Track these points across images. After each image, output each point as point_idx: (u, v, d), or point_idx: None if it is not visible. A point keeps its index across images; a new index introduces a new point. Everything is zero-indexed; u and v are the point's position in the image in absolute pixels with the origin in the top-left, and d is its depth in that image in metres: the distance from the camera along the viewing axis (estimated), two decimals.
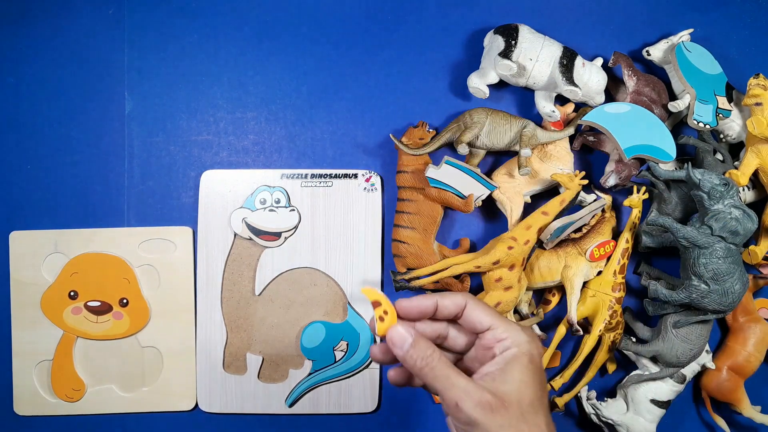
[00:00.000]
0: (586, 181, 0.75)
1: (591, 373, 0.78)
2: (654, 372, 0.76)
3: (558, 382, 0.78)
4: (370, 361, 0.78)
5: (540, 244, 0.76)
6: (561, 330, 0.76)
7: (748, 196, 0.79)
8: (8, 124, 0.77)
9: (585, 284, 0.77)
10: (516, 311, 0.78)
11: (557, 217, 0.74)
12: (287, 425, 0.79)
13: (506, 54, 0.72)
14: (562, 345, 0.79)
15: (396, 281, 0.71)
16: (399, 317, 0.51)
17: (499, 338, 0.50)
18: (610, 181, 0.77)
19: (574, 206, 0.78)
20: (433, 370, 0.49)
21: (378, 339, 0.52)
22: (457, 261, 0.72)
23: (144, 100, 0.78)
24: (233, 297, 0.77)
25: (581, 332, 0.75)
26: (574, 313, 0.75)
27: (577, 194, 0.75)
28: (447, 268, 0.72)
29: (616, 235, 0.79)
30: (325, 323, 0.78)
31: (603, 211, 0.78)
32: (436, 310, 0.52)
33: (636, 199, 0.76)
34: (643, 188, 0.76)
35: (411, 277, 0.71)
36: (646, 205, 0.78)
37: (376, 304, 0.50)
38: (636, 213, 0.77)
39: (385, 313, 0.50)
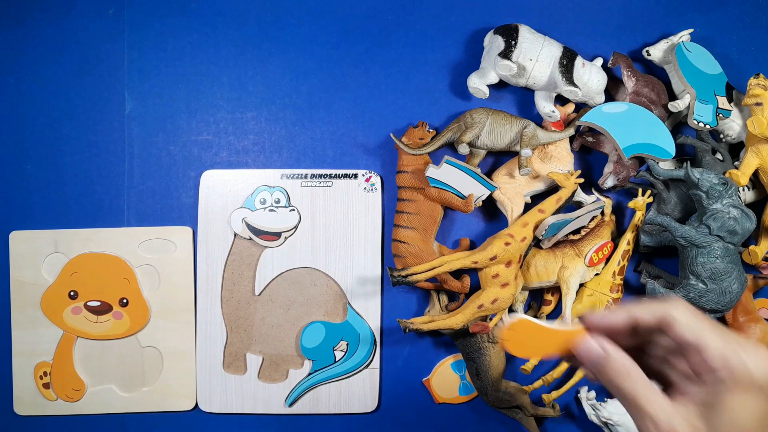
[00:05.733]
0: (582, 180, 0.75)
1: (582, 372, 0.78)
2: None
3: (549, 378, 0.77)
4: (370, 361, 0.78)
5: (537, 243, 0.76)
6: None
7: (748, 196, 0.79)
8: (8, 124, 0.77)
9: (582, 284, 0.77)
10: (511, 309, 0.79)
11: (554, 215, 0.74)
12: (287, 425, 0.79)
13: (506, 54, 0.72)
14: None
15: (393, 277, 0.71)
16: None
17: (709, 359, 0.40)
18: (609, 182, 0.77)
19: (574, 206, 0.78)
20: (631, 387, 0.41)
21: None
22: (454, 257, 0.72)
23: (144, 100, 0.78)
24: (233, 297, 0.77)
25: None
26: (569, 313, 0.75)
27: (573, 193, 0.75)
28: (444, 264, 0.72)
29: (615, 237, 0.79)
30: (325, 323, 0.78)
31: (602, 213, 0.78)
32: (632, 324, 0.43)
33: (641, 202, 0.76)
34: (648, 191, 0.76)
35: (408, 273, 0.71)
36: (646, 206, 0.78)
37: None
38: (639, 215, 0.77)
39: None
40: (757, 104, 0.72)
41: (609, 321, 0.43)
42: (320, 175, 0.78)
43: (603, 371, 0.42)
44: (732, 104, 0.77)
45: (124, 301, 0.77)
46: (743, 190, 0.79)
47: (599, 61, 0.77)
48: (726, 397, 0.39)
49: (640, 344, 0.45)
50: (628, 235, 0.77)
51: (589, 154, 0.81)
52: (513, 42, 0.72)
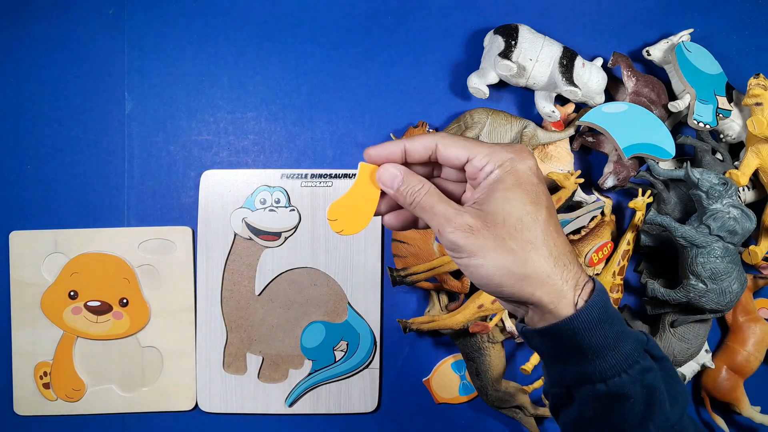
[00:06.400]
0: (581, 180, 0.75)
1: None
2: None
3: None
4: (370, 361, 0.78)
5: None
6: None
7: (748, 196, 0.79)
8: (8, 124, 0.77)
9: None
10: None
11: None
12: (287, 425, 0.79)
13: (506, 54, 0.72)
14: None
15: (393, 276, 0.71)
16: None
17: (479, 167, 0.46)
18: (609, 182, 0.77)
19: (574, 206, 0.78)
20: (420, 202, 0.47)
21: None
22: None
23: (144, 100, 0.78)
24: (233, 297, 0.77)
25: None
26: None
27: (573, 193, 0.75)
28: (443, 264, 0.72)
29: (615, 237, 0.79)
30: (325, 323, 0.78)
31: (602, 213, 0.78)
32: (405, 154, 0.49)
33: (641, 202, 0.76)
34: (648, 192, 0.76)
35: (408, 273, 0.71)
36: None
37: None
38: (639, 216, 0.77)
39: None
40: (757, 104, 0.72)
41: (388, 152, 0.48)
42: (320, 175, 0.78)
43: (401, 191, 0.48)
44: (732, 104, 0.77)
45: (124, 301, 0.77)
46: (743, 190, 0.79)
47: (599, 61, 0.77)
48: (495, 189, 0.45)
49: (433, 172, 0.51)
50: (628, 235, 0.77)
51: (589, 154, 0.81)
52: (513, 42, 0.72)
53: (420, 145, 0.48)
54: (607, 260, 0.78)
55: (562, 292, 0.44)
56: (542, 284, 0.44)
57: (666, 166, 0.76)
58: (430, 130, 0.76)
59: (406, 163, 0.49)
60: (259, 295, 0.78)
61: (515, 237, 0.44)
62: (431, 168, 0.50)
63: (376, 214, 0.50)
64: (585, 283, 0.45)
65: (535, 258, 0.44)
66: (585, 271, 0.46)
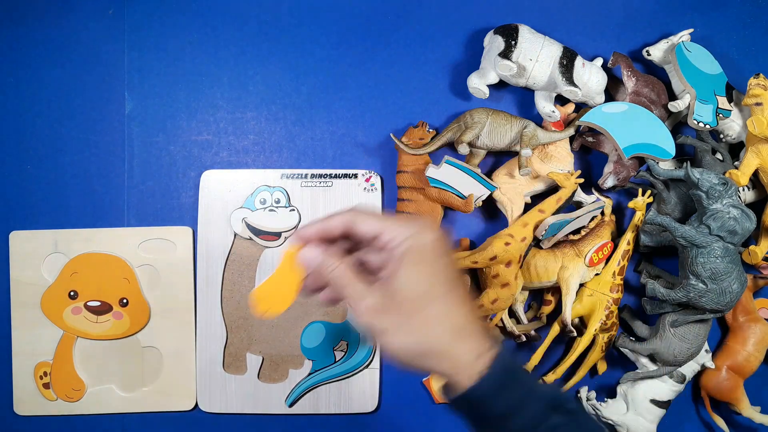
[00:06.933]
0: (582, 180, 0.75)
1: (582, 372, 0.78)
2: (651, 370, 0.76)
3: (550, 378, 0.77)
4: (370, 361, 0.78)
5: (537, 243, 0.76)
6: (555, 329, 0.76)
7: (748, 196, 0.79)
8: (8, 124, 0.77)
9: (583, 284, 0.77)
10: (512, 313, 0.79)
11: (554, 215, 0.74)
12: (287, 425, 0.79)
13: (506, 54, 0.72)
14: (556, 342, 0.79)
15: None
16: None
17: (387, 242, 0.48)
18: (609, 182, 0.77)
19: (574, 206, 0.78)
20: (335, 281, 0.49)
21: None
22: (454, 257, 0.72)
23: (144, 100, 0.78)
24: (233, 297, 0.77)
25: (574, 333, 0.75)
26: (569, 314, 0.75)
27: (574, 193, 0.75)
28: None
29: (615, 237, 0.79)
30: (325, 323, 0.78)
31: (602, 213, 0.78)
32: (327, 232, 0.51)
33: (640, 202, 0.76)
34: (648, 191, 0.76)
35: None
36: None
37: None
38: (639, 215, 0.77)
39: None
40: (757, 104, 0.72)
41: (308, 234, 0.50)
42: (320, 175, 0.78)
43: (319, 272, 0.50)
44: (732, 104, 0.77)
45: (124, 301, 0.77)
46: (743, 190, 0.79)
47: (599, 61, 0.77)
48: (401, 265, 0.47)
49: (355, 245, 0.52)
50: (628, 235, 0.77)
51: (589, 154, 0.81)
52: (513, 42, 0.72)
53: (339, 222, 0.50)
54: (607, 260, 0.78)
55: (464, 364, 0.46)
56: (444, 358, 0.46)
57: (666, 166, 0.76)
58: (430, 130, 0.76)
59: (335, 240, 0.51)
60: None
61: (418, 314, 0.46)
62: (358, 242, 0.52)
63: (311, 293, 0.52)
64: (489, 350, 0.47)
65: (437, 333, 0.46)
66: (490, 337, 0.48)
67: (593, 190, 0.79)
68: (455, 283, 0.49)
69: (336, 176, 0.78)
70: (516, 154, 0.76)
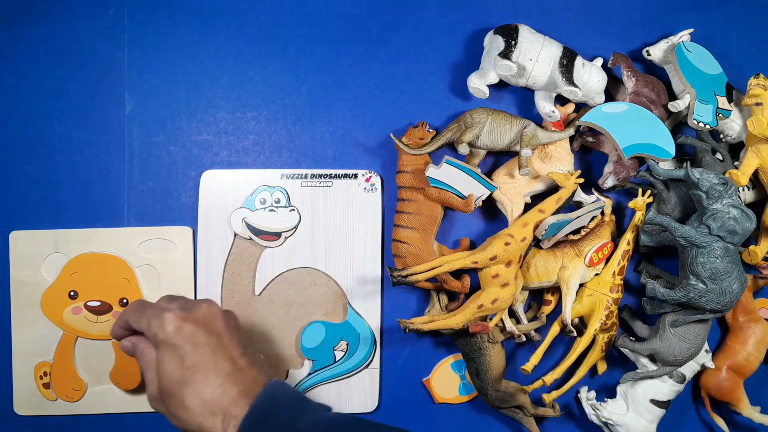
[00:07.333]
0: (582, 180, 0.75)
1: (581, 372, 0.78)
2: (651, 370, 0.76)
3: (550, 378, 0.77)
4: (370, 361, 0.78)
5: (537, 243, 0.76)
6: (554, 329, 0.76)
7: (748, 196, 0.79)
8: (8, 124, 0.77)
9: (582, 284, 0.77)
10: (512, 313, 0.79)
11: (554, 215, 0.74)
12: None
13: (506, 54, 0.72)
14: (556, 342, 0.79)
15: (393, 277, 0.71)
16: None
17: (150, 336, 0.59)
18: (609, 182, 0.77)
19: (574, 206, 0.78)
20: (139, 364, 0.61)
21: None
22: (454, 257, 0.72)
23: (144, 100, 0.78)
24: (233, 297, 0.77)
25: (574, 333, 0.75)
26: (569, 314, 0.75)
27: (573, 193, 0.75)
28: (444, 264, 0.72)
29: (615, 237, 0.79)
30: (325, 323, 0.78)
31: (602, 213, 0.78)
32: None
33: (640, 202, 0.76)
34: (648, 191, 0.76)
35: (408, 273, 0.71)
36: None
37: None
38: (639, 215, 0.77)
39: None
40: (757, 104, 0.72)
41: (113, 331, 0.64)
42: (320, 175, 0.78)
43: (132, 357, 0.62)
44: (732, 104, 0.77)
45: (124, 301, 0.77)
46: (743, 190, 0.79)
47: (599, 61, 0.77)
48: (158, 355, 0.57)
49: None
50: (628, 235, 0.77)
51: (589, 154, 0.81)
52: (513, 42, 0.72)
53: (123, 324, 0.62)
54: (607, 260, 0.78)
55: None
56: None
57: (666, 166, 0.76)
58: (430, 130, 0.76)
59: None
60: (258, 295, 0.78)
61: (173, 402, 0.56)
62: None
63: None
64: (241, 411, 0.54)
65: (189, 414, 0.55)
66: (242, 402, 0.55)
67: (593, 190, 0.79)
68: (197, 365, 0.56)
69: (336, 176, 0.78)
70: (516, 154, 0.76)
